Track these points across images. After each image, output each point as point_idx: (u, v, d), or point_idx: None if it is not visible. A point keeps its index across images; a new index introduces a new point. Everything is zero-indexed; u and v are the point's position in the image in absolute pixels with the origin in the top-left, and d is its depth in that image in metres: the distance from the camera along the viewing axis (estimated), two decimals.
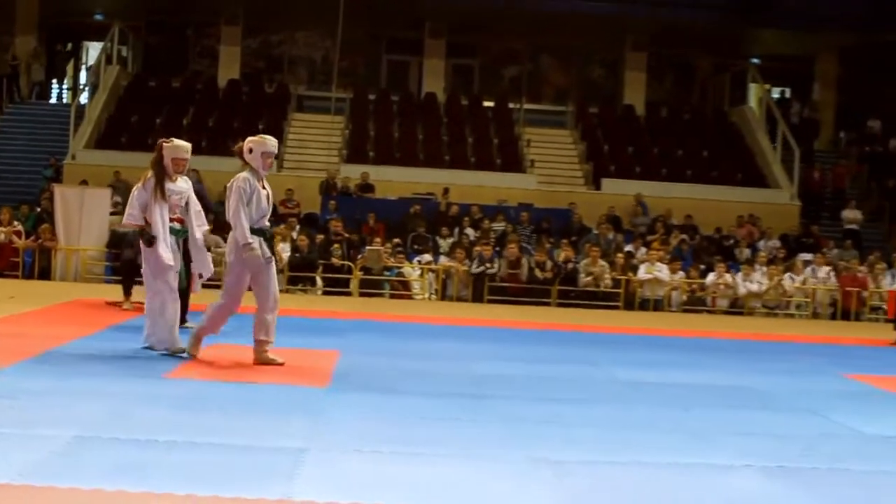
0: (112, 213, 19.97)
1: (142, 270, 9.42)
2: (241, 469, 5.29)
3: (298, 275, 19.45)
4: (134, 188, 9.36)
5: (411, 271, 20.02)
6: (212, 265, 9.63)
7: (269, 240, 9.03)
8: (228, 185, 8.87)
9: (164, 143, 9.34)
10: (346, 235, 20.61)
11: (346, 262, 19.62)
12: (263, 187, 8.92)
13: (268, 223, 9.09)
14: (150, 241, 9.05)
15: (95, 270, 19.44)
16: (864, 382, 10.07)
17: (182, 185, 9.38)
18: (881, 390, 9.59)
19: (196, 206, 9.51)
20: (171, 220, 9.21)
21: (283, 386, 7.98)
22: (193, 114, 27.24)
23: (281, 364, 8.85)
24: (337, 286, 19.29)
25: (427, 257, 20.49)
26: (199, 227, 9.46)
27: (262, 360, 8.86)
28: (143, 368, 8.44)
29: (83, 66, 31.87)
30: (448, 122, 28.20)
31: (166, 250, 9.09)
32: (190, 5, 28.64)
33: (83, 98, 27.73)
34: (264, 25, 30.14)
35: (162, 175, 9.17)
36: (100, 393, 7.23)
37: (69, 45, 31.83)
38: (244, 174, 8.85)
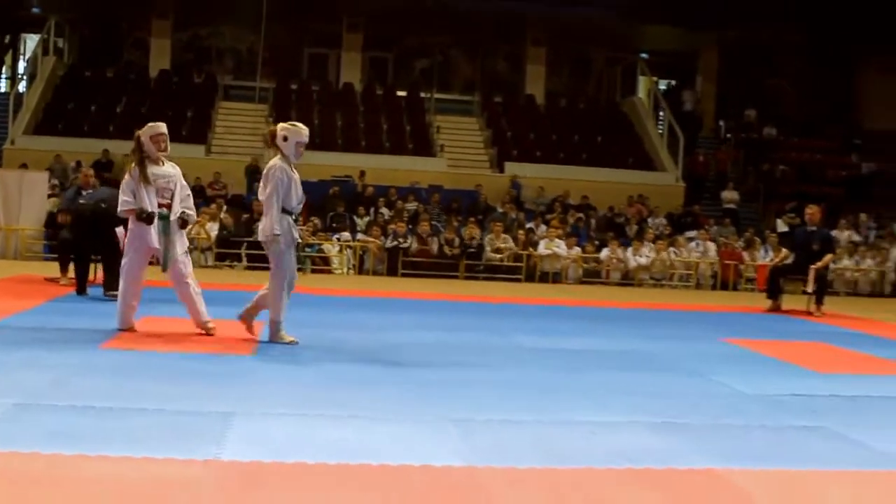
0: (49, 196, 19.62)
1: (124, 249, 8.94)
2: (172, 432, 5.24)
3: (225, 251, 19.34)
4: (122, 181, 8.87)
5: (331, 248, 19.94)
6: (186, 242, 9.14)
7: (296, 222, 8.77)
8: (264, 172, 8.55)
9: (139, 132, 8.88)
10: None
11: None
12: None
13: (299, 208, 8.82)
14: (150, 217, 8.61)
15: (34, 249, 19.08)
16: (741, 346, 10.24)
17: (169, 170, 8.90)
18: (756, 353, 9.76)
19: (185, 190, 9.02)
20: (160, 205, 8.74)
21: (211, 355, 7.91)
22: (126, 102, 26.84)
23: (294, 342, 8.60)
24: (261, 262, 19.12)
25: (345, 235, 20.44)
26: (185, 209, 8.93)
27: (277, 339, 8.62)
28: (81, 340, 8.29)
29: (21, 57, 31.21)
30: (364, 111, 28.13)
31: (153, 233, 8.66)
32: (123, 0, 28.13)
33: (21, 87, 27.16)
34: (193, 19, 29.74)
35: (143, 160, 8.75)
36: (39, 363, 7.10)
37: (7, 37, 31.12)
38: (280, 163, 8.50)
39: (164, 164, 8.92)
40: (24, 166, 21.55)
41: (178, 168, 9.08)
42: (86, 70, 28.45)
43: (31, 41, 30.24)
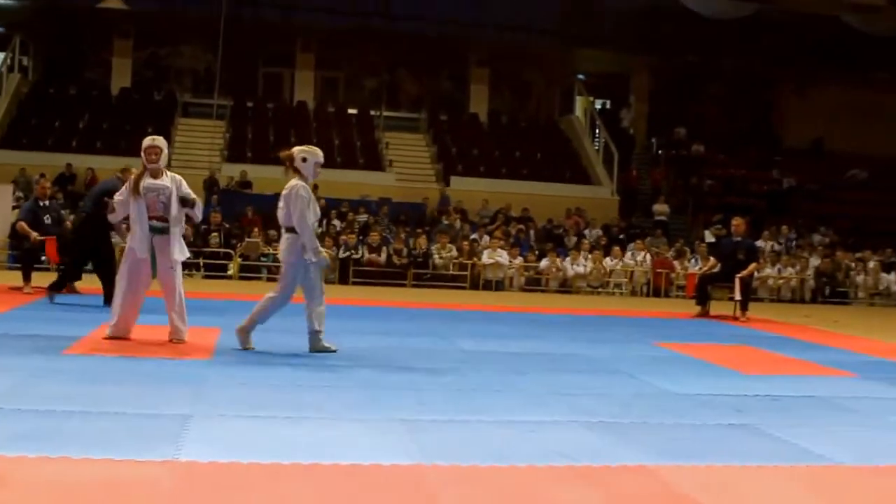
0: (14, 208, 19.29)
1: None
2: (131, 434, 5.18)
3: (183, 261, 19.15)
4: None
5: None
6: (186, 251, 8.96)
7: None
8: (286, 193, 8.43)
9: None
10: (226, 226, 20.39)
11: (223, 250, 19.43)
12: None
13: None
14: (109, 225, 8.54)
15: None
16: (671, 349, 10.32)
17: (164, 183, 8.67)
18: (685, 355, 9.84)
19: (188, 196, 8.74)
20: (151, 217, 8.57)
21: (169, 360, 7.83)
22: (89, 118, 26.56)
23: (334, 351, 8.60)
24: (217, 271, 19.03)
25: None
26: (188, 216, 8.83)
27: (318, 348, 8.59)
28: (44, 346, 8.16)
29: None
30: (317, 127, 28.01)
31: (140, 244, 8.54)
32: (85, 20, 27.80)
33: None
34: (153, 39, 29.49)
35: (142, 174, 8.64)
36: (3, 368, 6.98)
37: None
38: (301, 183, 8.43)
39: (164, 175, 8.75)
40: None
41: (178, 179, 8.82)
42: (50, 87, 28.12)
43: None
